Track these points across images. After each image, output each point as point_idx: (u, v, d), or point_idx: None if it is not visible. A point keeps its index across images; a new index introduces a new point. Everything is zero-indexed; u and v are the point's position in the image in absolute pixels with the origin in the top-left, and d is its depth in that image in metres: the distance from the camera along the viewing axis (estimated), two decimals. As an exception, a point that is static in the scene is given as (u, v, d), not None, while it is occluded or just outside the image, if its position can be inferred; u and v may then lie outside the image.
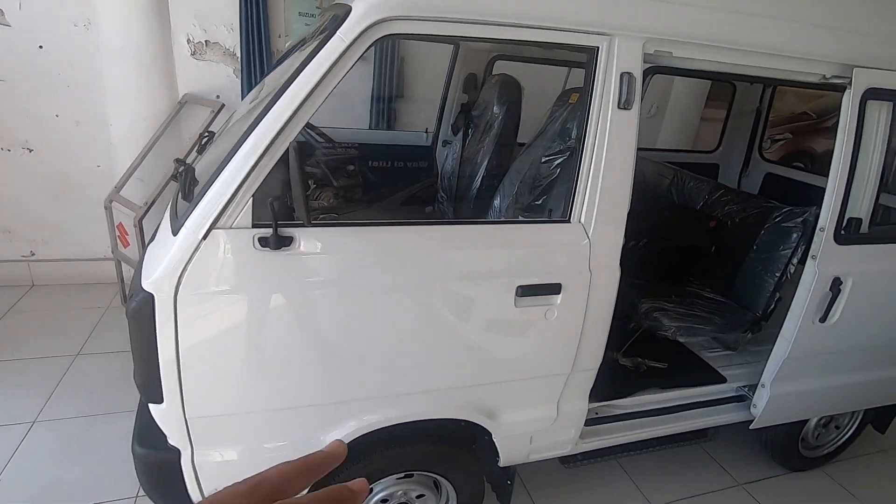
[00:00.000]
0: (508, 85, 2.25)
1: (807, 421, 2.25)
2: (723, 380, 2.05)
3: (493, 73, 2.59)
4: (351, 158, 2.75)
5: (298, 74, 1.13)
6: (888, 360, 2.03)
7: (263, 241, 1.14)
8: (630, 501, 2.16)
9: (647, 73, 1.42)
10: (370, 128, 3.39)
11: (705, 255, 2.29)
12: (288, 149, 1.14)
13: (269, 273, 1.18)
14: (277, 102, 1.12)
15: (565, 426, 1.69)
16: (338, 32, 1.13)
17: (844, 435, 2.42)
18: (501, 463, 1.70)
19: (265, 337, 1.24)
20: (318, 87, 1.13)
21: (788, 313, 1.80)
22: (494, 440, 1.61)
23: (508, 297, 1.38)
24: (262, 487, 0.29)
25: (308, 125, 2.45)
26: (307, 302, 1.24)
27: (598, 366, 1.62)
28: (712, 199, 2.36)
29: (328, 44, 1.13)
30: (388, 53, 3.23)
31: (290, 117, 1.12)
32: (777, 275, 2.01)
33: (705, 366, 2.13)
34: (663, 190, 2.65)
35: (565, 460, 1.93)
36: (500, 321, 1.42)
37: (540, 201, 1.67)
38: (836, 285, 1.72)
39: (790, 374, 1.87)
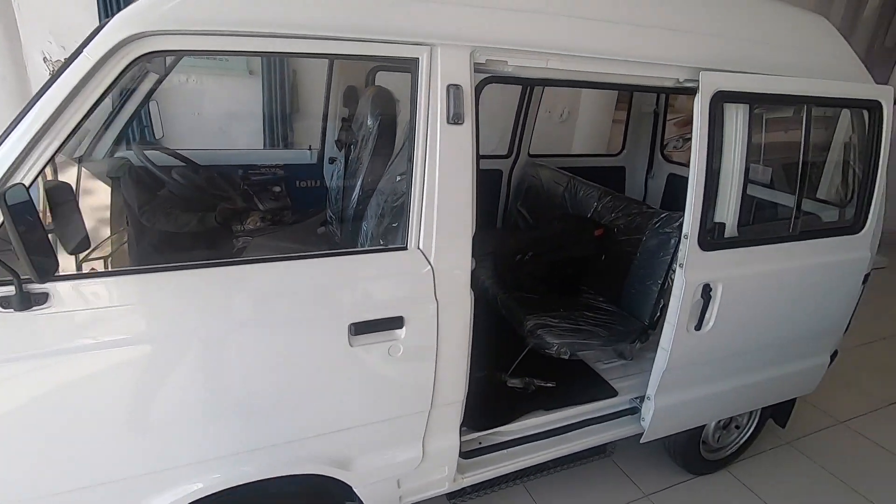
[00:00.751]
0: (381, 97, 2.12)
1: (705, 425, 2.23)
2: (614, 393, 1.99)
3: (376, 84, 2.46)
4: (277, 180, 2.58)
5: (37, 100, 0.95)
6: (772, 360, 2.03)
7: (4, 303, 0.96)
8: (533, 527, 2.06)
9: (483, 84, 1.31)
10: (264, 147, 3.20)
11: (596, 265, 2.24)
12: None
13: (18, 340, 0.99)
14: (11, 133, 0.94)
15: (436, 465, 1.56)
16: (84, 50, 0.96)
17: (745, 434, 2.42)
18: (369, 509, 1.56)
19: (32, 416, 1.04)
20: (61, 112, 0.96)
21: (664, 323, 1.75)
22: (355, 491, 1.47)
23: (340, 336, 1.25)
24: None
25: (168, 150, 2.27)
26: (84, 366, 1.06)
27: (464, 397, 1.50)
28: (601, 205, 2.32)
29: (72, 63, 0.96)
30: (277, 66, 3.06)
31: (26, 148, 0.94)
32: (659, 282, 1.97)
33: (597, 379, 2.07)
34: (558, 197, 2.60)
35: (452, 496, 1.81)
36: (335, 364, 1.28)
37: (392, 225, 1.55)
38: (707, 292, 1.68)
39: (673, 383, 1.82)
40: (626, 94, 3.53)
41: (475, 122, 1.31)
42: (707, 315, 1.72)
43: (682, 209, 1.70)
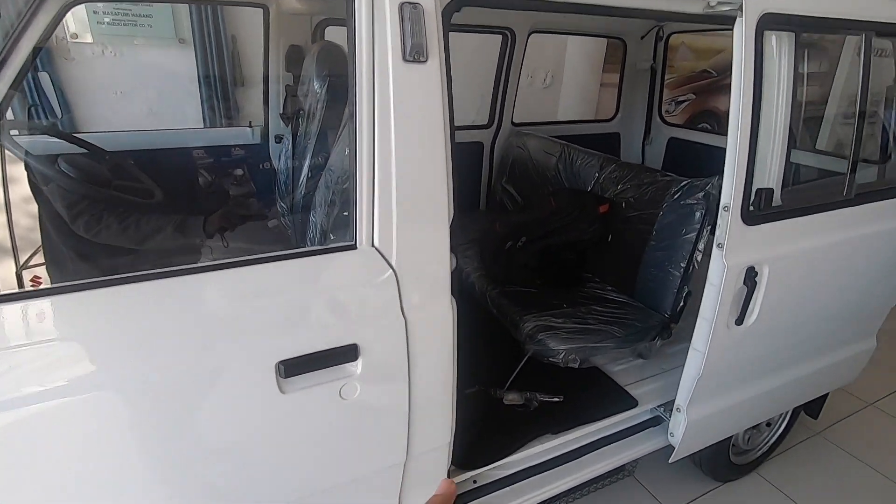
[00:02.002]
0: (330, 54, 1.69)
1: (735, 427, 1.91)
2: (634, 403, 1.64)
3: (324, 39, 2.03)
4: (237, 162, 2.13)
5: None
6: (818, 350, 1.70)
7: None
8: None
9: (455, 6, 0.90)
10: (204, 126, 2.74)
11: (601, 248, 1.87)
12: None
13: None
14: None
15: (420, 524, 1.20)
16: None
17: (776, 431, 2.12)
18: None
19: None
20: None
21: (698, 319, 1.39)
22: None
23: (265, 381, 0.85)
24: None
25: (59, 133, 1.81)
26: None
27: (450, 440, 1.13)
28: (603, 176, 1.94)
29: None
30: (211, 31, 2.58)
31: None
32: (682, 265, 1.61)
33: (612, 387, 1.72)
34: (551, 170, 2.21)
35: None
36: (263, 418, 0.89)
37: (343, 215, 1.15)
38: (751, 277, 1.32)
39: (708, 392, 1.47)
40: (618, 52, 3.14)
41: (445, 63, 0.90)
42: (751, 306, 1.37)
43: (687, 176, 1.33)
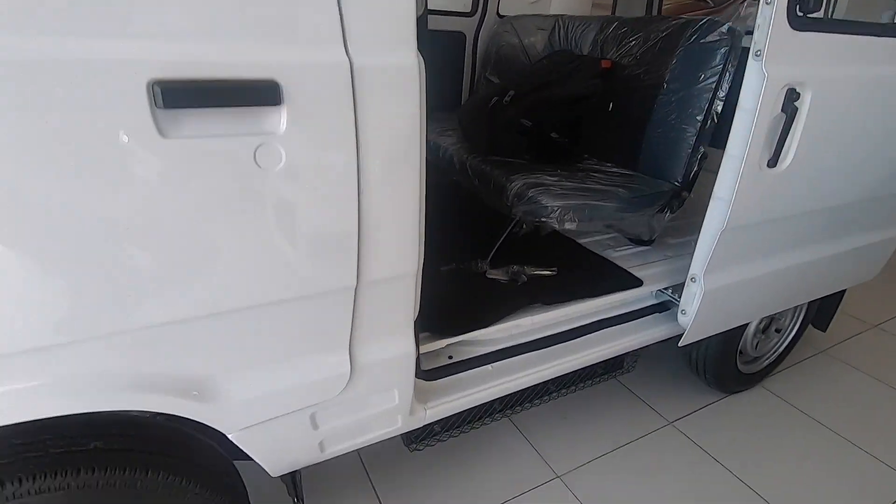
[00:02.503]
0: None
1: (745, 329, 1.69)
2: (638, 282, 1.40)
3: None
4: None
5: None
6: (846, 224, 1.47)
7: None
8: (536, 468, 1.50)
9: None
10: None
11: (600, 117, 1.60)
12: None
13: None
14: None
15: (378, 387, 0.94)
16: None
17: (785, 339, 1.92)
18: (271, 472, 0.93)
19: None
20: None
21: (724, 160, 1.14)
22: (230, 438, 0.83)
23: (136, 109, 0.57)
24: None
25: None
26: None
27: (418, 267, 0.86)
28: (604, 36, 1.66)
29: None
30: None
31: None
32: (699, 118, 1.36)
33: (611, 267, 1.48)
34: (543, 48, 1.92)
35: (410, 438, 1.21)
36: (139, 176, 0.60)
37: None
38: (791, 101, 1.07)
39: (729, 255, 1.24)
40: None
41: None
42: (788, 141, 1.12)
43: None
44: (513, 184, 1.31)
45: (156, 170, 0.60)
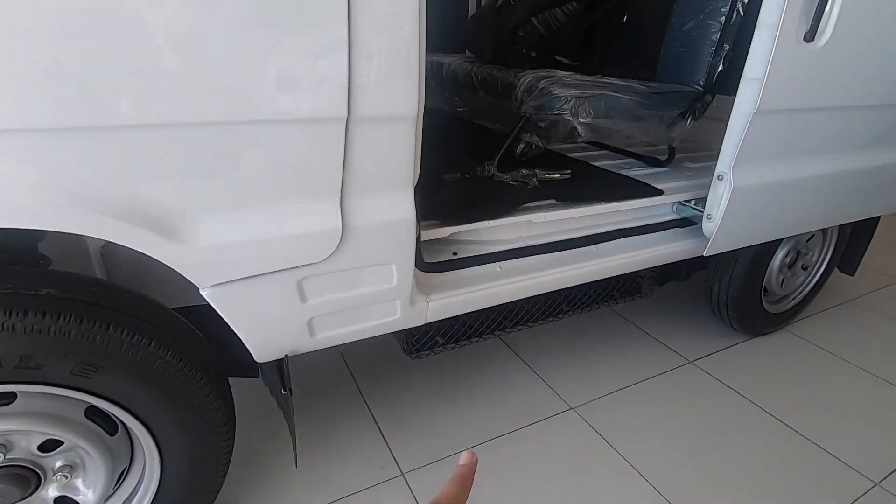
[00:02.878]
0: None
1: (770, 261, 1.58)
2: (658, 191, 1.30)
3: None
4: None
5: None
6: (880, 136, 1.36)
7: None
8: (547, 401, 1.39)
9: None
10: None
11: (615, 31, 1.50)
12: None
13: None
14: None
15: (374, 258, 0.83)
16: None
17: (813, 278, 1.80)
18: (256, 356, 0.83)
19: None
20: None
21: (756, 33, 1.04)
22: (205, 296, 0.73)
23: None
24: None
25: None
26: None
27: (418, 112, 0.76)
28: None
29: None
30: None
31: None
32: (723, 10, 1.25)
33: (628, 180, 1.37)
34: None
35: (410, 345, 1.11)
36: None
37: None
38: (832, -40, 0.97)
39: (761, 147, 1.13)
40: None
41: None
42: (827, 12, 1.02)
43: None
44: (522, 78, 1.21)
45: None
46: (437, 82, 1.63)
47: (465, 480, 0.37)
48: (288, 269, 0.76)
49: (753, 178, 1.16)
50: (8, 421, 0.69)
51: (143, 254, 0.66)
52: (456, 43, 2.33)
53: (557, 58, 1.60)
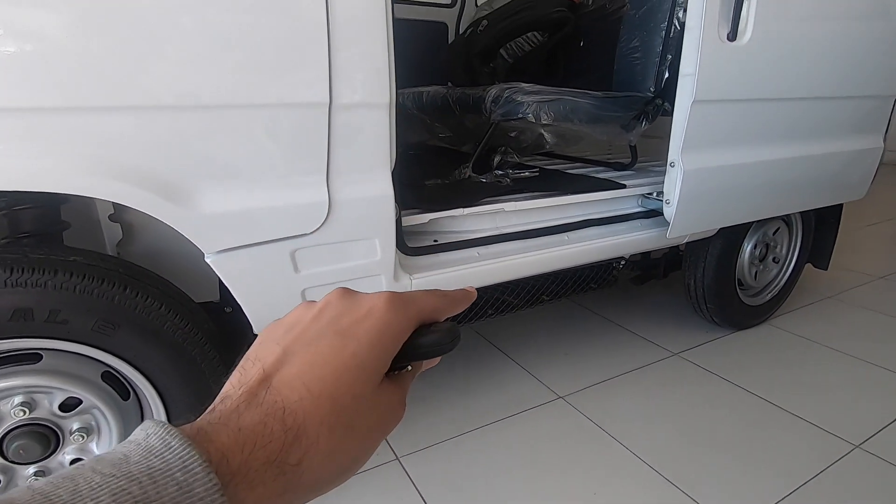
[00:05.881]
0: None
1: (738, 252, 1.68)
2: (620, 186, 1.42)
3: None
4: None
5: None
6: (824, 126, 1.50)
7: None
8: (537, 391, 1.44)
9: None
10: None
11: (573, 54, 1.69)
12: None
13: None
14: None
15: (358, 232, 0.94)
16: None
17: (786, 271, 1.89)
18: (256, 329, 0.92)
19: None
20: None
21: (684, 36, 1.20)
22: (209, 262, 0.83)
23: None
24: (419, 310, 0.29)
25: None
26: None
27: (390, 101, 0.89)
28: (570, -16, 1.78)
29: None
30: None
31: None
32: (662, 26, 1.43)
33: (594, 178, 1.50)
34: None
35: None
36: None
37: None
38: (738, -29, 1.14)
39: (705, 135, 1.27)
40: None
41: None
42: (745, 14, 1.19)
43: None
44: (490, 91, 1.37)
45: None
46: (418, 110, 1.80)
47: (453, 300, 0.33)
48: (282, 238, 0.87)
49: (703, 161, 1.29)
50: (35, 377, 0.77)
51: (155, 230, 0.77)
52: (436, 76, 2.56)
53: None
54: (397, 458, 1.20)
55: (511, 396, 1.44)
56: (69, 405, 0.81)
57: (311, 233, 0.89)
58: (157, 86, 0.72)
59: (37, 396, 0.79)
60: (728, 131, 1.30)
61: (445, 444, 1.25)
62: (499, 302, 1.32)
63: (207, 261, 0.83)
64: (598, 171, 1.66)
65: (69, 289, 0.73)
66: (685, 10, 1.40)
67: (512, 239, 1.23)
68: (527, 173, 1.38)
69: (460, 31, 2.54)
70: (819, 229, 1.89)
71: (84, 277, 0.75)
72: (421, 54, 2.49)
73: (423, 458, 1.21)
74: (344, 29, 0.82)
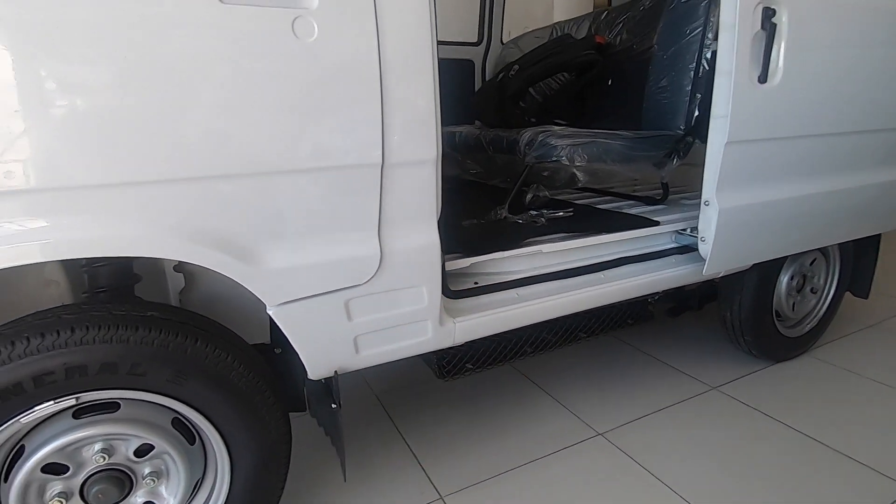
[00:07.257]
0: None
1: (775, 284, 1.67)
2: (654, 223, 1.44)
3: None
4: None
5: None
6: (858, 155, 1.50)
7: None
8: (574, 427, 1.45)
9: None
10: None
11: (601, 92, 1.74)
12: None
13: None
14: None
15: (407, 280, 0.99)
16: None
17: (825, 301, 1.86)
18: (311, 372, 0.97)
19: None
20: None
21: (716, 79, 1.23)
22: (271, 314, 0.89)
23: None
24: None
25: None
26: None
27: (437, 156, 0.95)
28: (597, 24, 1.84)
29: None
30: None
31: None
32: (691, 67, 1.47)
33: (628, 215, 1.52)
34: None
35: (441, 367, 1.22)
36: (199, 37, 0.73)
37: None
38: (768, 18, 1.18)
39: (739, 173, 1.28)
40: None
41: None
42: (774, 56, 1.22)
43: None
44: (523, 135, 1.42)
45: (214, 32, 0.73)
46: (451, 149, 1.87)
47: None
48: (338, 290, 0.92)
49: (737, 199, 1.31)
50: (114, 425, 0.83)
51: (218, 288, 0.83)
52: (465, 115, 2.64)
53: (555, 121, 1.83)
54: (441, 498, 1.21)
55: (549, 431, 1.44)
56: (142, 451, 0.86)
57: (364, 283, 0.94)
58: (228, 157, 0.79)
59: (115, 443, 0.85)
60: (762, 169, 1.32)
61: (488, 482, 1.26)
62: (536, 340, 1.34)
63: (269, 312, 0.89)
64: (629, 206, 1.69)
65: (149, 343, 0.79)
66: (712, 52, 1.45)
67: (550, 279, 1.26)
68: (561, 213, 1.41)
69: (486, 70, 2.63)
70: (858, 258, 1.87)
71: (161, 332, 0.81)
72: (449, 93, 2.58)
73: (468, 496, 1.22)
74: (395, 90, 0.88)
